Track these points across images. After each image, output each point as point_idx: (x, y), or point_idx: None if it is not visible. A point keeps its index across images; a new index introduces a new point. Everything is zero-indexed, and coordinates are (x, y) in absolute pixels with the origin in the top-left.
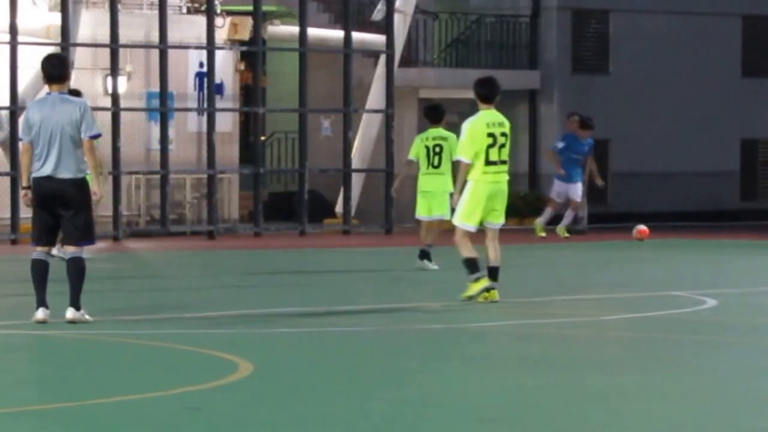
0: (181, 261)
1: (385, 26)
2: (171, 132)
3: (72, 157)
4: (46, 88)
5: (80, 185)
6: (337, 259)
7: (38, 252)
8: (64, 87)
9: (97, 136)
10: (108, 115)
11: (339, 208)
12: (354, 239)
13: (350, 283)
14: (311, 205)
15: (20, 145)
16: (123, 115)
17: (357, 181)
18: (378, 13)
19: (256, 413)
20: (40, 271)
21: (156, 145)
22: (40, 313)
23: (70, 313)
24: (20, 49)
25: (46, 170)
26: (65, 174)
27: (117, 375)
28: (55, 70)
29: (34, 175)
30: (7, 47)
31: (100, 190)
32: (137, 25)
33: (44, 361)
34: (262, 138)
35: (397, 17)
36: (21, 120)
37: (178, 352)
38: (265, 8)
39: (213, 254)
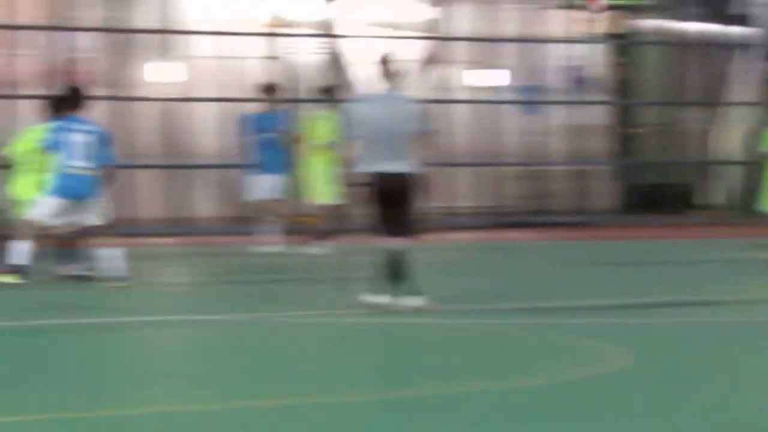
0: (552, 251)
1: (751, 18)
2: (542, 124)
3: (403, 152)
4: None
5: (411, 179)
6: (704, 250)
7: (384, 242)
8: (396, 83)
9: (428, 131)
10: (473, 108)
11: (709, 199)
12: (724, 230)
13: (722, 274)
14: (678, 197)
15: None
16: (494, 108)
17: (729, 173)
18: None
19: (644, 402)
20: (385, 259)
21: (526, 137)
22: (379, 299)
23: (409, 300)
24: (401, 43)
25: (379, 165)
26: (397, 168)
27: (499, 361)
28: (390, 67)
29: (367, 170)
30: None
31: (428, 181)
32: (509, 20)
33: (408, 347)
34: (634, 130)
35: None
36: (349, 115)
37: (550, 339)
38: (635, 2)
39: (582, 245)
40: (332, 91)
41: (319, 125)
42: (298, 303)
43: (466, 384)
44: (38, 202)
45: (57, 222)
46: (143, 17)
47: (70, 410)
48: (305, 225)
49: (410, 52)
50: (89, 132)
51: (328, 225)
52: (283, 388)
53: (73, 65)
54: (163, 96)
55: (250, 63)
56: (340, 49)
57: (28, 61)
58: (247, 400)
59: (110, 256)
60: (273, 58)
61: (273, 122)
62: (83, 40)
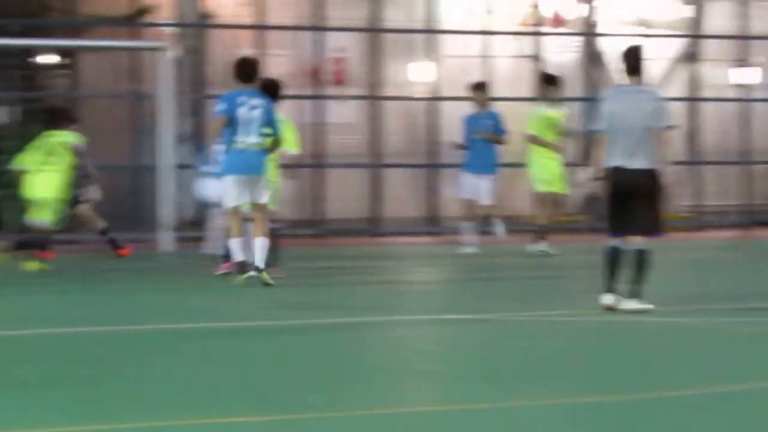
0: None
1: None
2: None
3: (645, 148)
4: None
5: (652, 176)
6: None
7: (613, 241)
8: (639, 78)
9: (669, 127)
10: (724, 105)
11: None
12: None
13: None
14: None
15: (593, 135)
16: (744, 105)
17: None
18: None
19: None
20: (614, 259)
21: None
22: (608, 299)
23: (628, 303)
24: (652, 41)
25: (619, 161)
26: (638, 164)
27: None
28: (634, 62)
29: (607, 165)
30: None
31: (669, 179)
32: (762, 17)
33: (640, 347)
34: None
35: None
36: (597, 110)
37: None
38: None
39: None
40: (556, 84)
41: (547, 121)
42: (542, 302)
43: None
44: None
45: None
46: (394, 16)
47: (332, 410)
48: (541, 223)
49: (664, 50)
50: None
51: (549, 222)
52: (537, 388)
53: (325, 65)
54: (418, 95)
55: (503, 62)
56: (600, 47)
57: (281, 61)
58: (511, 399)
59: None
60: (530, 56)
61: (482, 122)
62: (336, 40)
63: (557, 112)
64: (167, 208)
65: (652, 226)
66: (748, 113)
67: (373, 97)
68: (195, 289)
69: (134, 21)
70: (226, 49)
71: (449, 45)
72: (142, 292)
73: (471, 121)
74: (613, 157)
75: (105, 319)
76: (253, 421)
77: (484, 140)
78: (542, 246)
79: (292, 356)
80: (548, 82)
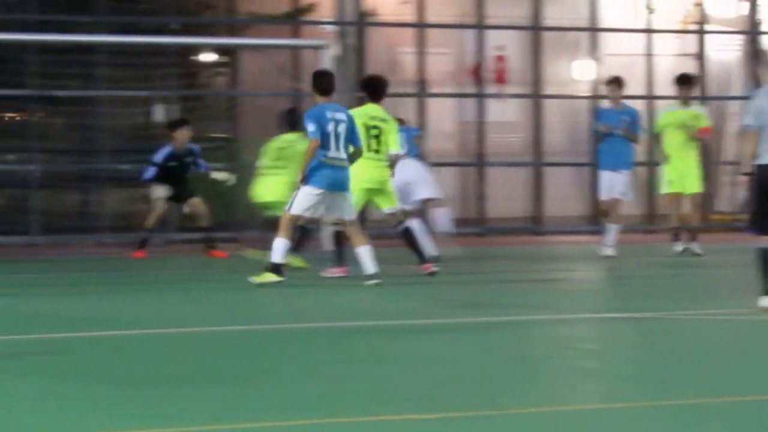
0: None
1: None
2: None
3: None
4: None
5: None
6: None
7: (763, 241)
8: None
9: None
10: None
11: None
12: None
13: None
14: None
15: (742, 132)
16: None
17: None
18: None
19: None
20: (766, 259)
21: None
22: (765, 301)
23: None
24: (710, 37)
25: (765, 158)
26: None
27: None
28: None
29: (757, 162)
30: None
31: None
32: None
33: None
34: None
35: None
36: (747, 107)
37: None
38: None
39: None
40: (691, 82)
41: (677, 120)
42: (699, 300)
43: None
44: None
45: (316, 214)
46: (555, 14)
47: (493, 408)
48: (685, 223)
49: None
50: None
51: (695, 221)
52: (702, 386)
53: (486, 63)
54: (579, 94)
55: (665, 60)
56: (763, 45)
57: (441, 59)
58: (675, 398)
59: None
60: (692, 55)
61: (618, 117)
62: (496, 38)
63: (689, 112)
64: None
65: None
66: None
67: (535, 96)
68: (341, 287)
69: (295, 19)
70: (386, 48)
71: (611, 43)
72: (283, 290)
73: (605, 116)
74: (763, 153)
75: (256, 318)
76: (418, 419)
77: (621, 136)
78: (679, 246)
79: (453, 354)
80: (681, 82)
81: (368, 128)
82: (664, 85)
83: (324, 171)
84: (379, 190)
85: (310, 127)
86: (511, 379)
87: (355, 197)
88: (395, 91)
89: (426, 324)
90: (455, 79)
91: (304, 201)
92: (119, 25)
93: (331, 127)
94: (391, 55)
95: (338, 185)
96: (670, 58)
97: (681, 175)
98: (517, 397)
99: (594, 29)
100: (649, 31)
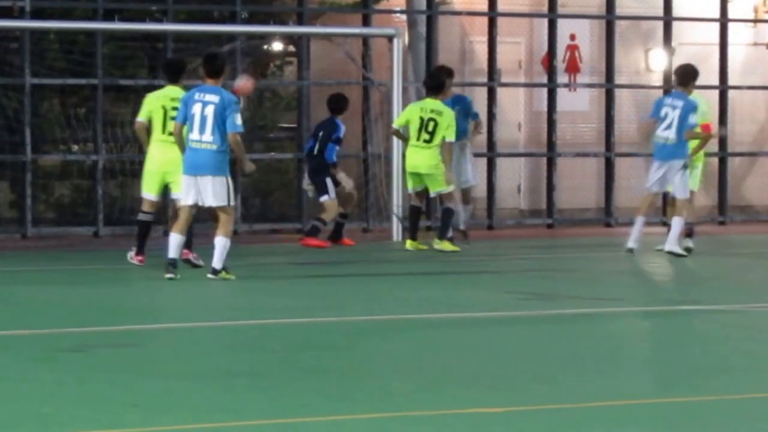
0: None
1: None
2: None
3: None
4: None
5: None
6: None
7: None
8: None
9: None
10: None
11: None
12: None
13: None
14: None
15: None
16: None
17: None
18: None
19: None
20: None
21: None
22: None
23: None
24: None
25: None
26: None
27: None
28: None
29: None
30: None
31: None
32: None
33: None
34: None
35: None
36: None
37: None
38: None
39: None
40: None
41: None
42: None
43: None
44: None
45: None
46: (628, 3)
47: (550, 402)
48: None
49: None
50: None
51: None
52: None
53: (557, 53)
54: (653, 84)
55: (738, 49)
56: None
57: (513, 48)
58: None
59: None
60: (765, 44)
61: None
62: (569, 27)
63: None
64: (397, 198)
65: None
66: None
67: (607, 85)
68: (425, 278)
69: (365, 8)
70: (458, 37)
71: (685, 33)
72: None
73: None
74: None
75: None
76: (484, 412)
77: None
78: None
79: (523, 346)
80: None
81: (423, 120)
82: (739, 76)
83: (187, 155)
84: (427, 175)
85: (178, 112)
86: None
87: (406, 182)
88: (465, 80)
89: (500, 316)
90: (526, 68)
91: (182, 188)
92: (188, 14)
93: (196, 109)
94: (462, 44)
95: (198, 169)
96: (744, 47)
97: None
98: (578, 389)
99: (666, 18)
100: (722, 20)
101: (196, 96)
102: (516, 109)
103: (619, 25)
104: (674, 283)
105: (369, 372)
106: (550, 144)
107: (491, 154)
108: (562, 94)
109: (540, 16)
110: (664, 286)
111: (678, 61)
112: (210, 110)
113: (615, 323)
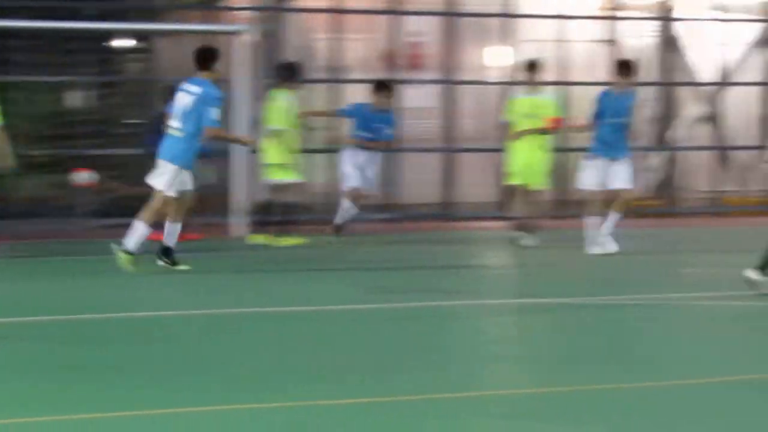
0: None
1: None
2: None
3: None
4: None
5: None
6: None
7: None
8: None
9: None
10: None
11: None
12: None
13: None
14: None
15: None
16: None
17: None
18: None
19: None
20: None
21: None
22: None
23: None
24: (729, 25)
25: None
26: None
27: None
28: None
29: None
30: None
31: None
32: None
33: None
34: None
35: None
36: None
37: None
38: None
39: None
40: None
41: (523, 108)
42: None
43: None
44: None
45: None
46: (471, 0)
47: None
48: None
49: (741, 35)
50: None
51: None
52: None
53: (401, 49)
54: (493, 80)
55: (581, 47)
56: (677, 32)
57: (359, 45)
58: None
59: None
60: (608, 41)
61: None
62: (412, 24)
63: (535, 100)
64: (240, 194)
65: None
66: None
67: (449, 82)
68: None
69: (210, 4)
70: (303, 34)
71: (525, 29)
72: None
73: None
74: None
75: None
76: (334, 405)
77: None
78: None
79: (370, 340)
80: (530, 68)
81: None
82: (580, 72)
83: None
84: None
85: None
86: (430, 366)
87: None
88: (310, 77)
89: (341, 310)
90: (371, 65)
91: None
92: (35, 11)
93: (179, 98)
94: (307, 41)
95: (162, 153)
96: (585, 44)
97: (522, 166)
98: (433, 383)
99: (508, 15)
100: (562, 17)
101: (184, 86)
102: None
103: (462, 22)
104: (519, 276)
105: (204, 366)
106: (394, 139)
107: (336, 146)
108: (405, 90)
109: (384, 13)
110: (512, 279)
111: (518, 57)
112: (189, 100)
113: (461, 317)
